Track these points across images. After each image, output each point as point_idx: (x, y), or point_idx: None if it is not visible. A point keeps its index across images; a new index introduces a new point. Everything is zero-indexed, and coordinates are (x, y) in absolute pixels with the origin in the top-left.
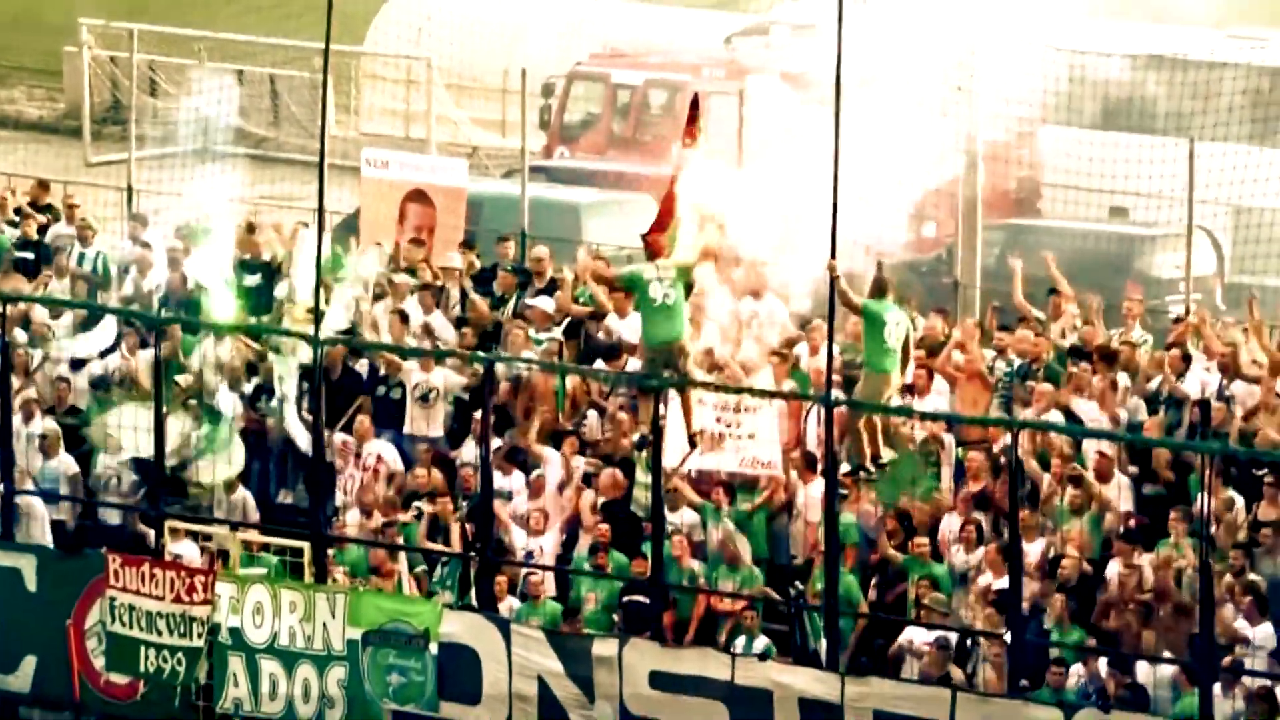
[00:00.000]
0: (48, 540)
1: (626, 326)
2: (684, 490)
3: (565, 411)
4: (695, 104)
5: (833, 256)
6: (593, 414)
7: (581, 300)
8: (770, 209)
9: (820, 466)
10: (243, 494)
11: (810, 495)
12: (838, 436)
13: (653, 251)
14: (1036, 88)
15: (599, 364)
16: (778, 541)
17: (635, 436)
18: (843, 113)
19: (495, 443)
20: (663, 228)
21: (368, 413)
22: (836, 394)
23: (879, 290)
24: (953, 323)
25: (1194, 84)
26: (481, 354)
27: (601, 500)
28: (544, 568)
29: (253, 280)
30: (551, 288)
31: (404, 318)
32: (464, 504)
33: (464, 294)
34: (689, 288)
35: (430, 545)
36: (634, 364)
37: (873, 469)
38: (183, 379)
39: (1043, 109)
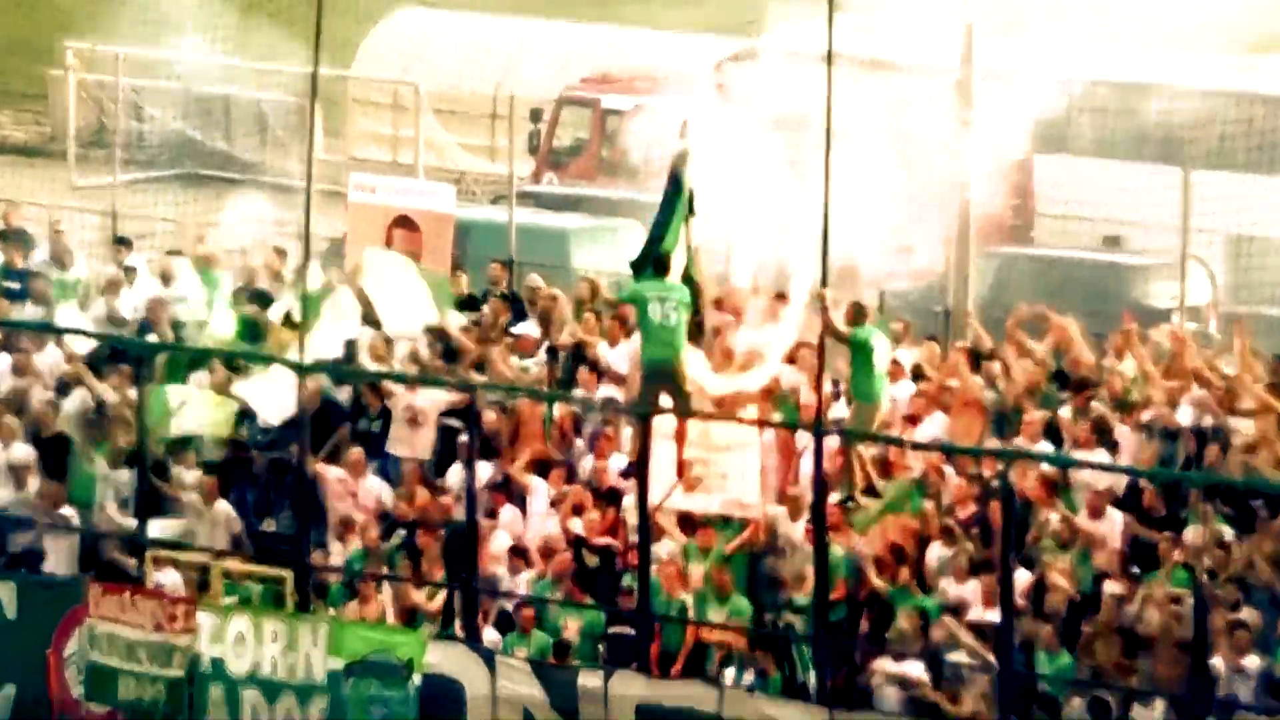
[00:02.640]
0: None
1: (617, 356)
2: (666, 526)
3: (554, 440)
4: (683, 133)
5: (823, 284)
6: (580, 443)
7: (570, 330)
8: (755, 236)
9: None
10: (224, 508)
11: (798, 532)
12: (836, 470)
13: (658, 269)
14: (1030, 115)
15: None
16: (761, 580)
17: (618, 461)
18: (833, 140)
19: (483, 471)
20: (658, 244)
21: (346, 443)
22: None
23: (858, 317)
24: (944, 352)
25: (1188, 111)
26: (468, 381)
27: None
28: (527, 599)
29: (251, 309)
30: (543, 317)
31: (388, 342)
32: (443, 532)
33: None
34: (695, 312)
35: (412, 575)
36: (613, 393)
37: (863, 500)
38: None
39: (1036, 137)
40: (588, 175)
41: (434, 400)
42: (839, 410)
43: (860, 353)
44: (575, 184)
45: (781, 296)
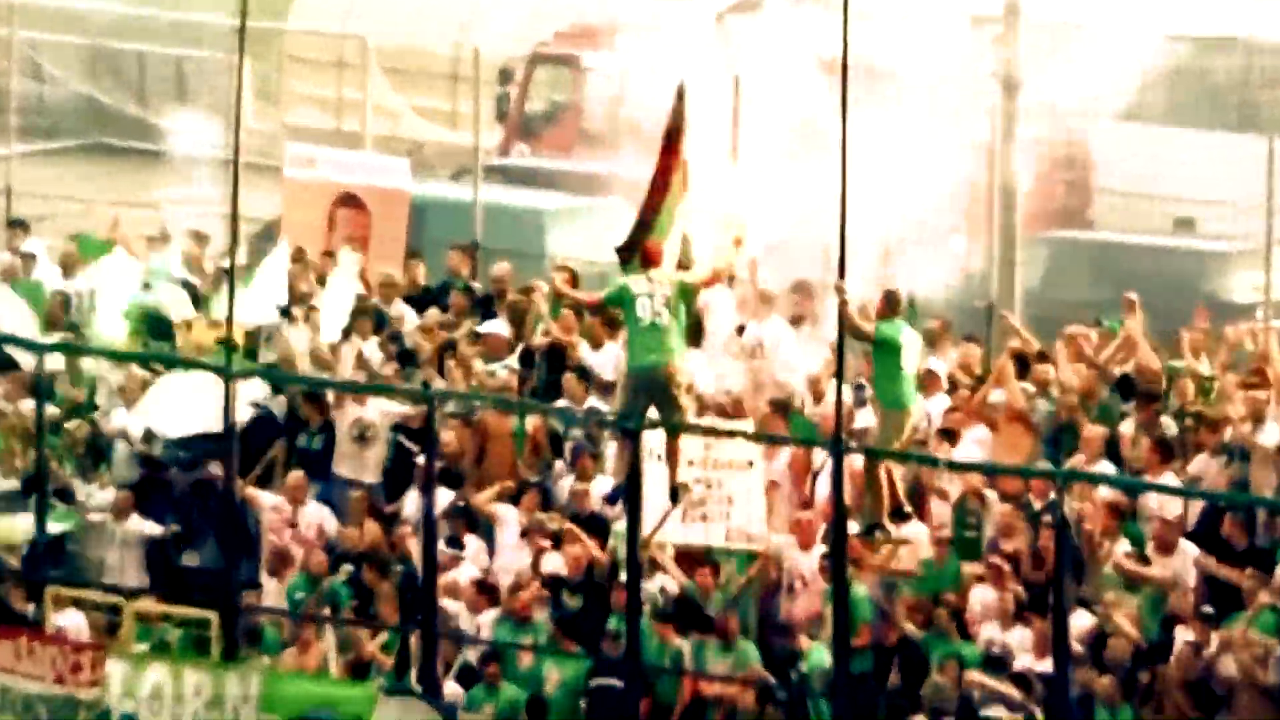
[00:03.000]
0: None
1: (600, 360)
2: (663, 561)
3: (525, 458)
4: (680, 92)
5: (841, 275)
6: (559, 463)
7: (544, 329)
8: (770, 217)
9: (824, 528)
10: (137, 524)
11: (810, 566)
12: (857, 493)
13: (646, 259)
14: (1087, 74)
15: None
16: (771, 623)
17: (600, 484)
18: (850, 104)
19: (443, 496)
20: (648, 228)
21: (282, 461)
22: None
23: (890, 307)
24: (987, 354)
25: (1275, 70)
26: (425, 389)
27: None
28: (495, 646)
29: (158, 302)
30: (514, 313)
31: (332, 346)
32: (398, 568)
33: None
34: (689, 310)
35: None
36: (599, 404)
37: (891, 526)
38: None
39: (1095, 100)
40: (566, 146)
41: (387, 414)
42: (863, 419)
43: (887, 351)
44: (551, 156)
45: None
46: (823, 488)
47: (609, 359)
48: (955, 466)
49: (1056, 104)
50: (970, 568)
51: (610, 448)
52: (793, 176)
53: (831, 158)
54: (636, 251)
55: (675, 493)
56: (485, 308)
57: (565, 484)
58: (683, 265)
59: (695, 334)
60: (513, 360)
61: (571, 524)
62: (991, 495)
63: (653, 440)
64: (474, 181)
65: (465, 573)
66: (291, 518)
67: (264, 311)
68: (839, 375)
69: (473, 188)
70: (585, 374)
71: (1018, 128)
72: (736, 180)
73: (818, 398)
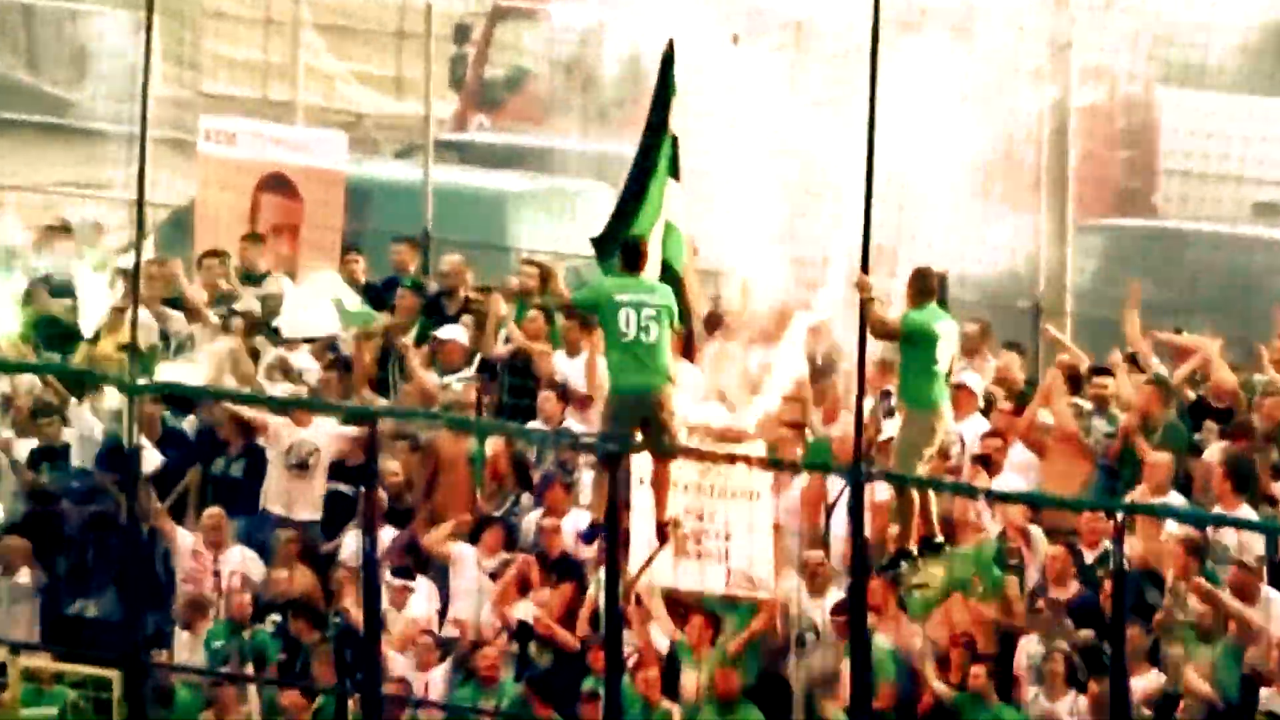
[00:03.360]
0: None
1: (576, 368)
2: (652, 608)
3: (485, 489)
4: (667, 58)
5: (864, 269)
6: (525, 494)
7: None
8: (778, 209)
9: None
10: (26, 579)
11: (824, 615)
12: (879, 524)
13: (631, 260)
14: (1152, 32)
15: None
16: (778, 683)
17: (575, 519)
18: (880, 71)
19: (388, 533)
20: (631, 217)
21: (196, 493)
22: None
23: (921, 293)
24: (1033, 364)
25: None
26: (364, 406)
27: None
28: (452, 709)
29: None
30: (473, 315)
31: (252, 353)
32: (335, 619)
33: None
34: (683, 316)
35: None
36: (575, 425)
37: (919, 557)
38: None
39: (1160, 63)
40: (534, 118)
41: (330, 436)
42: (889, 433)
43: (918, 344)
44: (516, 130)
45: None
46: (839, 522)
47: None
48: (995, 497)
49: (1114, 67)
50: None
51: (587, 476)
52: (803, 154)
53: (850, 131)
54: (617, 245)
55: (663, 530)
56: (437, 309)
57: (533, 519)
58: (667, 265)
59: (688, 344)
60: (471, 371)
61: (540, 566)
62: (1037, 533)
63: (639, 464)
64: (424, 160)
65: (414, 622)
66: (209, 559)
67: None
68: (859, 389)
69: (423, 167)
70: (563, 390)
71: (1070, 96)
72: (734, 161)
73: (829, 413)
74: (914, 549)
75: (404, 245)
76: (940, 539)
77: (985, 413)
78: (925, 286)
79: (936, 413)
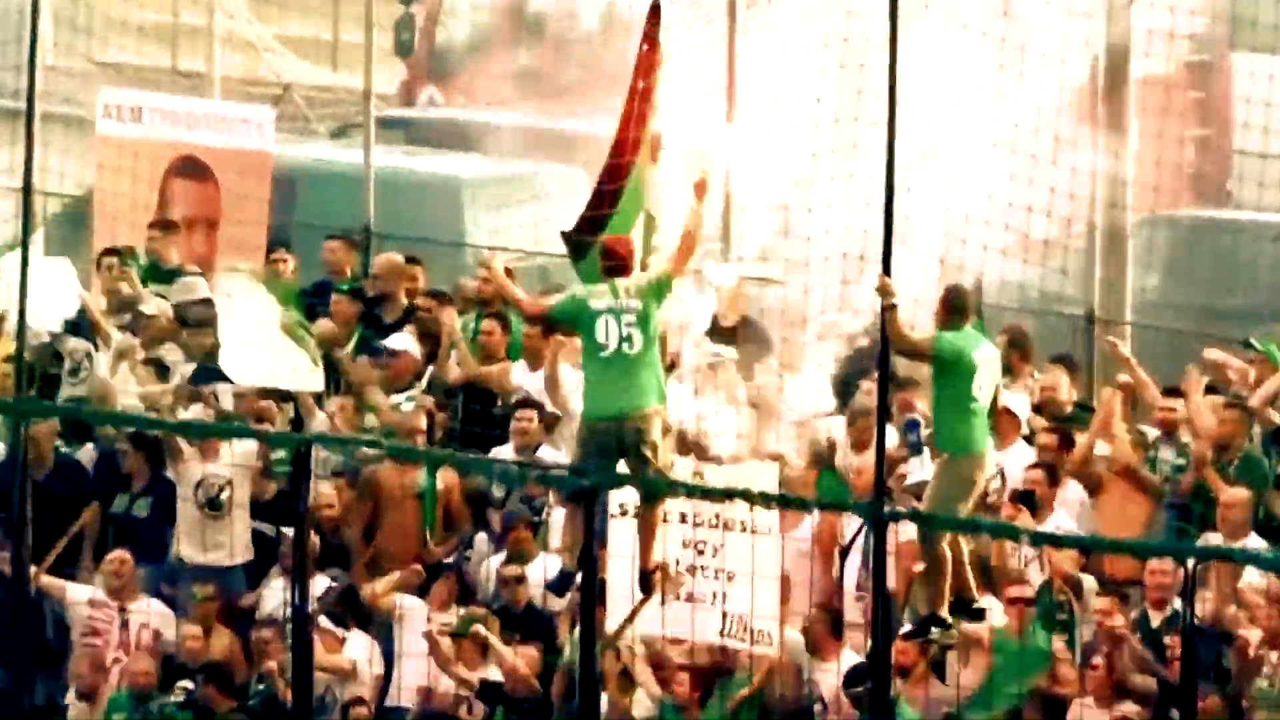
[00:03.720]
0: None
1: (539, 382)
2: (635, 670)
3: (437, 532)
4: (655, 10)
5: (885, 269)
6: (480, 535)
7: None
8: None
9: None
10: None
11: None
12: (905, 576)
13: (611, 261)
14: None
15: (506, 451)
16: None
17: (544, 565)
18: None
19: (318, 584)
20: (609, 207)
21: (92, 535)
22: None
23: (955, 311)
24: (1087, 384)
25: None
26: (292, 434)
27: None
28: None
29: None
30: (421, 326)
31: (160, 370)
32: (259, 686)
33: None
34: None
35: None
36: (552, 453)
37: (952, 624)
38: None
39: (1235, 24)
40: (495, 91)
41: (249, 469)
42: (919, 471)
43: (952, 371)
44: (474, 105)
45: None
46: (855, 569)
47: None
48: (1041, 540)
49: (1181, 29)
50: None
51: (557, 515)
52: (814, 129)
53: (868, 101)
54: (593, 240)
55: (647, 579)
56: (375, 317)
57: (492, 566)
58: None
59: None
60: (420, 390)
61: (502, 623)
62: (1090, 582)
63: (620, 494)
64: (364, 141)
65: (354, 686)
66: (111, 613)
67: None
68: (880, 414)
69: (363, 149)
70: (542, 411)
71: (1129, 64)
72: (733, 136)
73: (860, 443)
74: (946, 614)
75: (339, 242)
76: (979, 603)
77: (1030, 440)
78: (959, 305)
79: (976, 460)
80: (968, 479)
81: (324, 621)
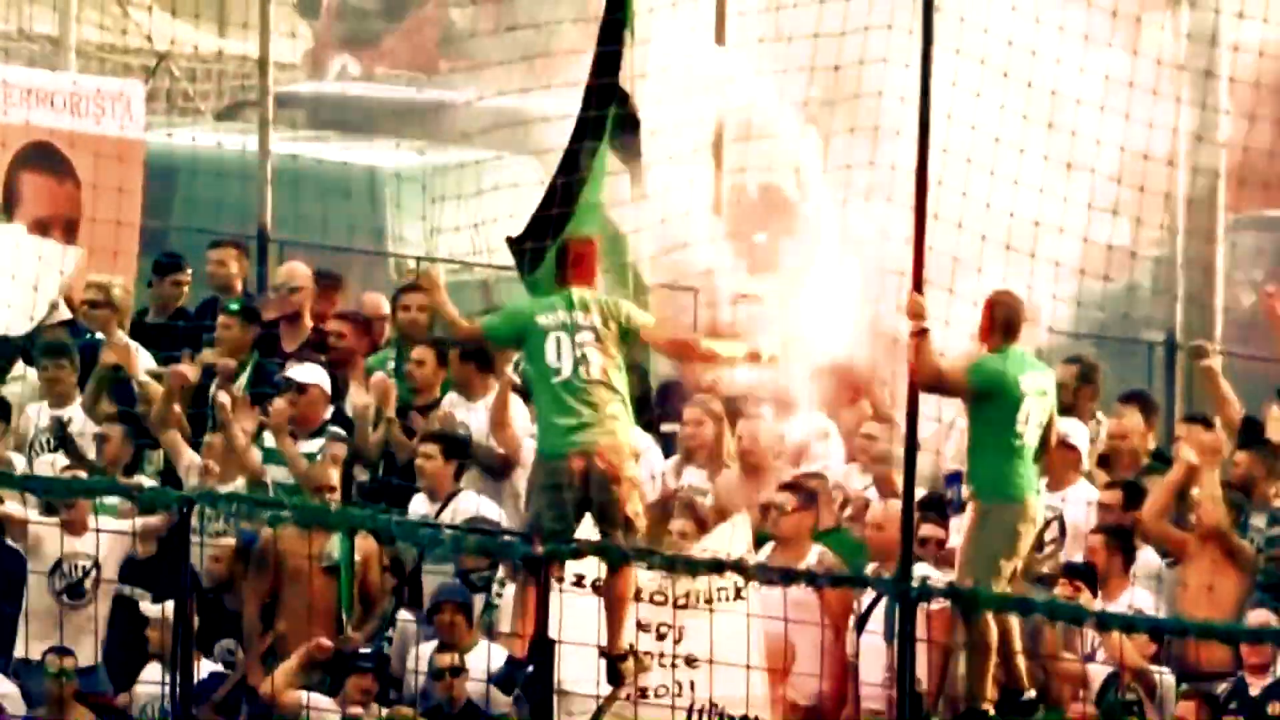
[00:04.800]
0: None
1: (479, 417)
2: None
3: (353, 614)
4: None
5: (916, 285)
6: (405, 617)
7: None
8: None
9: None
10: None
11: None
12: (936, 663)
13: (569, 269)
14: None
15: (420, 504)
16: None
17: (483, 656)
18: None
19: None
20: (564, 206)
21: None
22: (925, 573)
23: (1000, 331)
24: (1165, 425)
25: None
26: (168, 490)
27: None
28: None
29: None
30: (324, 347)
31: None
32: None
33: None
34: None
35: None
36: (484, 505)
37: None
38: None
39: None
40: (423, 60)
41: (116, 542)
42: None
43: (993, 406)
44: (397, 78)
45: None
46: (873, 651)
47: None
48: (1112, 623)
49: None
50: None
51: (505, 591)
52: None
53: (895, 75)
54: (545, 248)
55: (615, 668)
56: (272, 343)
57: (420, 655)
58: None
59: (644, 402)
60: (328, 437)
61: None
62: (1167, 679)
63: (583, 567)
64: (260, 123)
65: None
66: None
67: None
68: (909, 458)
69: (258, 134)
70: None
71: (1219, 31)
72: (719, 117)
73: (882, 488)
74: (989, 708)
75: (227, 250)
76: (1030, 694)
77: (1092, 479)
78: (1006, 322)
79: (1019, 510)
80: (1009, 532)
81: None
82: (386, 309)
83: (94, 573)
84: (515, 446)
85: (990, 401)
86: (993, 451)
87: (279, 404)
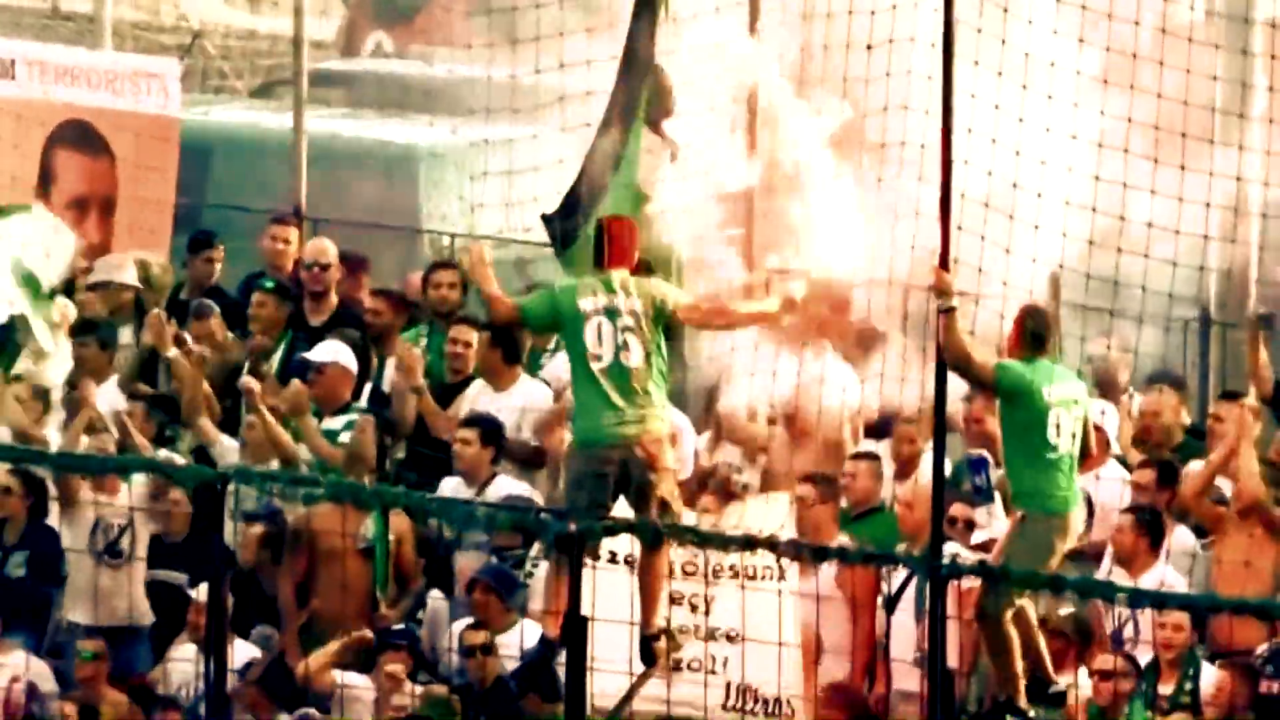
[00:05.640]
0: None
1: (505, 402)
2: None
3: (387, 591)
4: None
5: (943, 262)
6: (436, 596)
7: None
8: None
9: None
10: None
11: None
12: (967, 646)
13: (608, 251)
14: None
15: (457, 487)
16: None
17: (521, 634)
18: None
19: (244, 652)
20: (597, 184)
21: None
22: (955, 550)
23: (1031, 340)
24: (1200, 404)
25: None
26: (202, 468)
27: None
28: None
29: None
30: (353, 321)
31: (40, 393)
32: None
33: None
34: (668, 328)
35: None
36: (513, 486)
37: (1029, 710)
38: None
39: None
40: (458, 38)
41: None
42: (984, 528)
43: (1018, 410)
44: (431, 56)
45: None
46: (903, 630)
47: (517, 405)
48: (1143, 600)
49: None
50: None
51: (539, 570)
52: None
53: (920, 52)
54: (580, 226)
55: (649, 646)
56: (301, 319)
57: (454, 634)
58: (645, 265)
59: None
60: (359, 410)
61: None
62: (1204, 663)
63: (617, 544)
64: (295, 101)
65: None
66: None
67: None
68: (938, 437)
69: (293, 111)
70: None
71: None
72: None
73: (905, 464)
74: (1021, 700)
75: (289, 227)
76: (1059, 685)
77: (1124, 461)
78: (1036, 332)
79: (1057, 524)
80: (1046, 544)
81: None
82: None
83: (130, 531)
84: (558, 447)
85: (1016, 406)
86: (1028, 461)
87: (293, 387)
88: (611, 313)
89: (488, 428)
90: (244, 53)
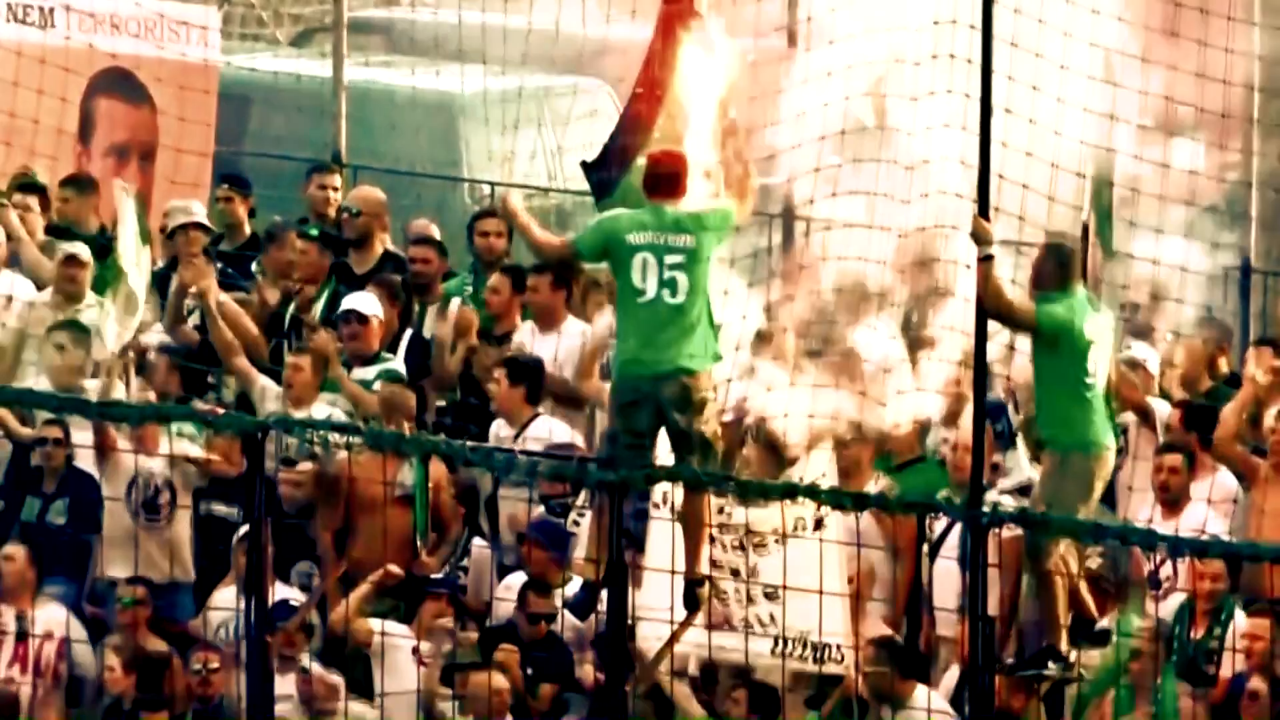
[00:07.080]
0: None
1: (550, 345)
2: (675, 697)
3: (427, 539)
4: None
5: (983, 210)
6: (480, 544)
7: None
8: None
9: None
10: None
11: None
12: (1006, 592)
13: (657, 182)
14: None
15: (499, 428)
16: None
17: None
18: None
19: (285, 594)
20: (641, 132)
21: None
22: (997, 499)
23: (1059, 275)
24: (1237, 355)
25: None
26: (244, 415)
27: None
28: None
29: None
30: (392, 265)
31: (78, 332)
32: None
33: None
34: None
35: None
36: (558, 430)
37: (1072, 660)
38: None
39: None
40: None
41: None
42: (1019, 473)
43: (1057, 352)
44: (470, 3)
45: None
46: (946, 577)
47: (572, 347)
48: (1184, 548)
49: None
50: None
51: (581, 519)
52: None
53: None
54: (619, 176)
55: (692, 592)
56: (344, 269)
57: (511, 585)
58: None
59: None
60: (398, 359)
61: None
62: (1238, 614)
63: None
64: (335, 49)
65: None
66: (18, 624)
67: None
68: (977, 391)
69: (333, 60)
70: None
71: None
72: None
73: (950, 415)
74: (1064, 645)
75: (328, 174)
76: (1103, 624)
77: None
78: (1063, 265)
79: (1096, 459)
80: (1085, 482)
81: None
82: (435, 233)
83: (168, 491)
84: (596, 393)
85: (1056, 349)
86: (1065, 399)
87: (322, 336)
88: (659, 249)
89: (515, 367)
90: (283, 1)
